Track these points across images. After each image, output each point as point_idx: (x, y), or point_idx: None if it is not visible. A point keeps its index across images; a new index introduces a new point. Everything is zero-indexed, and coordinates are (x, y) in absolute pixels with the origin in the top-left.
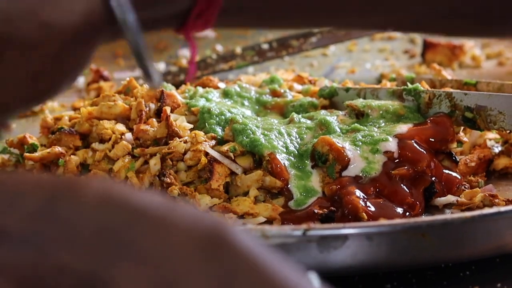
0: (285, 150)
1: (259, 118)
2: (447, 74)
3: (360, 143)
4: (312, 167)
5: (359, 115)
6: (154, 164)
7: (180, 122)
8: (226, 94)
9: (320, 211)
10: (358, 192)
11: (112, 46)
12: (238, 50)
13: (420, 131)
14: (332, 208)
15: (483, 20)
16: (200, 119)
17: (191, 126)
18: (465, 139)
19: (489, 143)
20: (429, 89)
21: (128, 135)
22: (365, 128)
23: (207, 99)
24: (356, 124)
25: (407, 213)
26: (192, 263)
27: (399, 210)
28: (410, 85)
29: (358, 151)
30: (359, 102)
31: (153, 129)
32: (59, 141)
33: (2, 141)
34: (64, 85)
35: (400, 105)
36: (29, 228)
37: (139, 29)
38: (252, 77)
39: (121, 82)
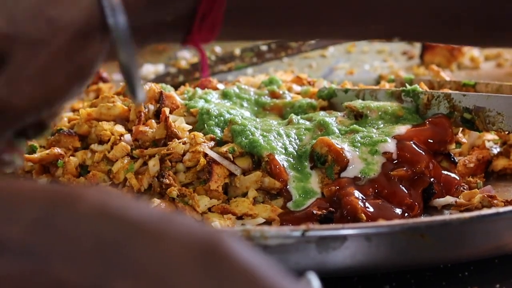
0: (284, 151)
1: (258, 119)
2: (446, 75)
3: (359, 144)
4: (311, 168)
5: (358, 116)
6: (153, 165)
7: (179, 123)
8: (225, 95)
9: (319, 212)
10: (357, 193)
11: None
12: (237, 51)
13: (418, 132)
14: (331, 209)
15: (486, 28)
16: (199, 120)
17: (190, 127)
18: (463, 140)
19: (487, 144)
20: (428, 90)
21: (127, 136)
22: (364, 129)
23: (206, 100)
24: (355, 125)
25: (406, 214)
26: (190, 276)
27: (398, 211)
28: (408, 86)
29: (357, 152)
30: (358, 103)
31: (152, 130)
32: (58, 142)
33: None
34: (74, 86)
35: (398, 106)
36: (28, 240)
37: (129, 37)
38: (251, 78)
39: (120, 84)
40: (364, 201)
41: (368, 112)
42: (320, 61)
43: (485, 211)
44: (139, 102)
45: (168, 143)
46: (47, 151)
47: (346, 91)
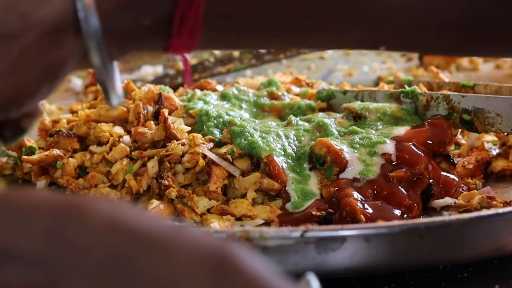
0: (283, 153)
1: (257, 121)
2: (445, 76)
3: (358, 146)
4: (310, 169)
5: (357, 118)
6: (152, 166)
7: (178, 125)
8: (224, 96)
9: (318, 213)
10: (356, 194)
11: None
12: (236, 53)
13: (417, 134)
14: (330, 210)
15: (479, 36)
16: (198, 121)
17: (189, 128)
18: (462, 141)
19: (486, 145)
20: (427, 91)
21: (126, 138)
22: (363, 130)
23: (205, 102)
24: (353, 126)
25: (405, 215)
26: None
27: (397, 212)
28: (407, 88)
29: (356, 154)
30: (356, 105)
31: (151, 131)
32: (57, 143)
33: None
34: (44, 84)
35: (397, 107)
36: (40, 251)
37: (102, 40)
38: (250, 80)
39: None
40: (363, 202)
41: (367, 113)
42: (318, 62)
43: (484, 212)
44: (113, 107)
45: (167, 144)
46: (46, 153)
47: (345, 92)
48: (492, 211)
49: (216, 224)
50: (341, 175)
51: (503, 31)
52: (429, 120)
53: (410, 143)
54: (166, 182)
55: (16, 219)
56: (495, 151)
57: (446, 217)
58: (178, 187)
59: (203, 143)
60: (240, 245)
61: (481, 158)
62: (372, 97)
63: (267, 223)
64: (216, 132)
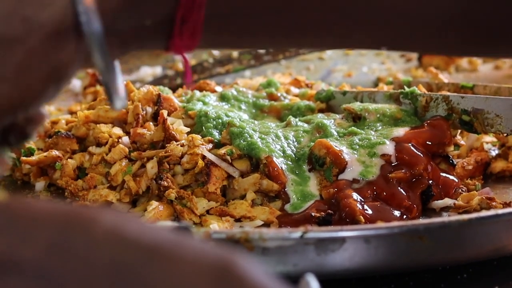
0: (282, 154)
1: (256, 122)
2: (444, 77)
3: (357, 147)
4: (309, 170)
5: (356, 119)
6: (151, 167)
7: (177, 126)
8: (223, 97)
9: (318, 214)
10: (356, 195)
11: None
12: (235, 54)
13: (417, 134)
14: (330, 211)
15: (485, 36)
16: (197, 122)
17: (188, 129)
18: (462, 142)
19: (486, 146)
20: (426, 92)
21: (125, 139)
22: (362, 131)
23: (204, 103)
24: (353, 127)
25: (405, 216)
26: None
27: (397, 213)
28: (407, 89)
29: (356, 155)
30: (356, 106)
31: (150, 132)
32: (56, 144)
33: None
34: (50, 87)
35: (397, 108)
36: (44, 262)
37: (104, 42)
38: (249, 80)
39: None
40: (363, 203)
41: (367, 114)
42: (318, 63)
43: (484, 213)
44: (116, 109)
45: (166, 145)
46: (45, 154)
47: (344, 93)
48: (491, 212)
49: (215, 225)
50: (341, 176)
51: (508, 31)
52: (428, 121)
53: (410, 144)
54: (165, 183)
55: (19, 229)
56: (494, 152)
57: (445, 218)
58: (177, 188)
59: (202, 144)
60: (242, 254)
61: (481, 159)
62: (372, 98)
63: (267, 224)
64: (215, 133)
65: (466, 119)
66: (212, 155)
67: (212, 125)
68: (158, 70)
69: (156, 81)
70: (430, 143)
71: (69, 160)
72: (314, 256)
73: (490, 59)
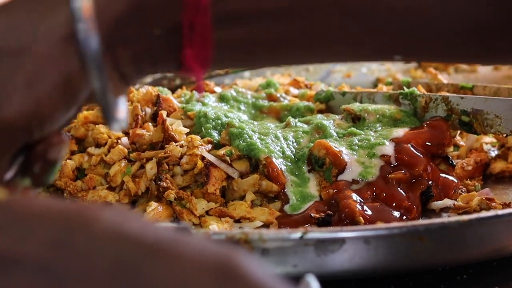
0: (281, 155)
1: (255, 123)
2: (443, 78)
3: (357, 147)
4: (309, 171)
5: (356, 119)
6: (150, 168)
7: (176, 126)
8: (222, 98)
9: (317, 215)
10: (355, 196)
11: None
12: None
13: (416, 135)
14: (329, 212)
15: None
16: (196, 123)
17: (187, 130)
18: (461, 143)
19: (485, 147)
20: (426, 93)
21: (124, 140)
22: (362, 132)
23: (203, 104)
24: (352, 128)
25: (404, 217)
26: None
27: (396, 214)
28: (406, 89)
29: (355, 155)
30: (355, 106)
31: (149, 133)
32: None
33: None
34: (63, 99)
35: (396, 109)
36: (45, 258)
37: (102, 63)
38: (248, 81)
39: None
40: (362, 204)
41: (366, 115)
42: (317, 64)
43: (484, 214)
44: (113, 131)
45: (165, 146)
46: None
47: (343, 94)
48: (491, 213)
49: (214, 226)
50: (340, 177)
51: None
52: (428, 122)
53: (409, 145)
54: (165, 184)
55: (21, 226)
56: (494, 153)
57: (445, 218)
58: (177, 189)
59: (202, 145)
60: (243, 251)
61: (480, 159)
62: (371, 98)
63: (266, 225)
64: (215, 134)
65: (465, 120)
66: (211, 156)
67: (211, 126)
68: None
69: (155, 82)
70: (429, 143)
71: (68, 161)
72: (314, 257)
73: None
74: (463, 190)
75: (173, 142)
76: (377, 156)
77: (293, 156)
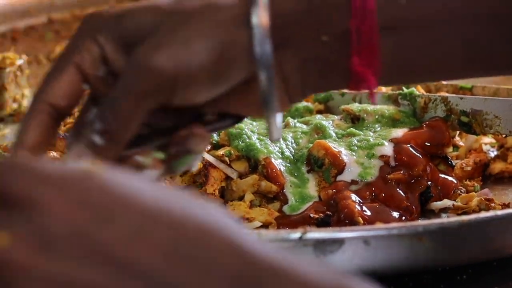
0: (280, 155)
1: (254, 123)
2: None
3: (356, 148)
4: (308, 171)
5: (355, 120)
6: None
7: None
8: None
9: (316, 216)
10: (354, 197)
11: None
12: None
13: (415, 136)
14: (328, 212)
15: None
16: None
17: None
18: (461, 143)
19: (485, 147)
20: (425, 93)
21: None
22: (361, 132)
23: None
24: (351, 128)
25: (403, 218)
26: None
27: (395, 214)
28: (405, 90)
29: (354, 156)
30: (354, 107)
31: None
32: (53, 146)
33: None
34: (216, 67)
35: (395, 109)
36: (160, 270)
37: (271, 68)
38: None
39: None
40: (361, 204)
41: (365, 115)
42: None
43: (483, 214)
44: (273, 140)
45: None
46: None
47: (342, 94)
48: (490, 213)
49: None
50: (339, 177)
51: None
52: (427, 122)
53: (408, 145)
54: (163, 185)
55: (133, 222)
56: (493, 153)
57: (444, 219)
58: None
59: None
60: (357, 280)
61: (479, 160)
62: (370, 99)
63: (265, 225)
64: (213, 134)
65: (465, 120)
66: (210, 156)
67: None
68: None
69: None
70: (428, 144)
71: None
72: (313, 258)
73: None
74: (463, 191)
75: None
76: (376, 157)
77: (292, 157)
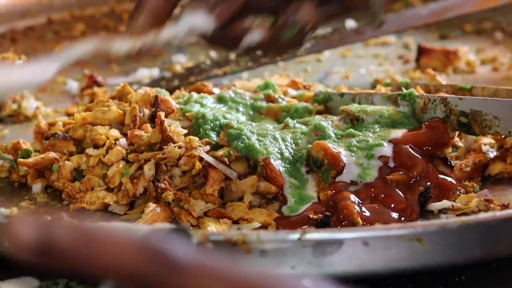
0: (280, 156)
1: (253, 124)
2: (442, 79)
3: (355, 148)
4: (307, 172)
5: (354, 120)
6: (149, 169)
7: (175, 128)
8: (220, 99)
9: (315, 216)
10: (353, 197)
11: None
12: (232, 55)
13: (415, 136)
14: (327, 213)
15: None
16: (194, 124)
17: (186, 131)
18: (460, 144)
19: (484, 148)
20: (424, 94)
21: (122, 141)
22: (360, 133)
23: (202, 105)
24: (351, 129)
25: (403, 218)
26: None
27: (394, 215)
28: (405, 90)
29: (353, 157)
30: (354, 107)
31: (147, 134)
32: (53, 146)
33: None
34: None
35: (395, 110)
36: None
37: None
38: (246, 82)
39: (115, 88)
40: (361, 205)
41: (364, 116)
42: (315, 65)
43: (482, 215)
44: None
45: (164, 147)
46: (42, 156)
47: (342, 95)
48: (490, 214)
49: (212, 227)
50: (338, 178)
51: None
52: (426, 123)
53: (408, 146)
54: (163, 185)
55: None
56: (492, 154)
57: (444, 220)
58: (175, 190)
59: (200, 146)
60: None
61: (479, 160)
62: (369, 99)
63: (264, 226)
64: (213, 135)
65: (464, 121)
66: (209, 157)
67: (209, 127)
68: (155, 72)
69: (154, 83)
70: (428, 145)
71: (66, 162)
72: (312, 258)
73: (488, 60)
74: (462, 191)
75: (171, 143)
76: (376, 157)
77: (291, 157)
